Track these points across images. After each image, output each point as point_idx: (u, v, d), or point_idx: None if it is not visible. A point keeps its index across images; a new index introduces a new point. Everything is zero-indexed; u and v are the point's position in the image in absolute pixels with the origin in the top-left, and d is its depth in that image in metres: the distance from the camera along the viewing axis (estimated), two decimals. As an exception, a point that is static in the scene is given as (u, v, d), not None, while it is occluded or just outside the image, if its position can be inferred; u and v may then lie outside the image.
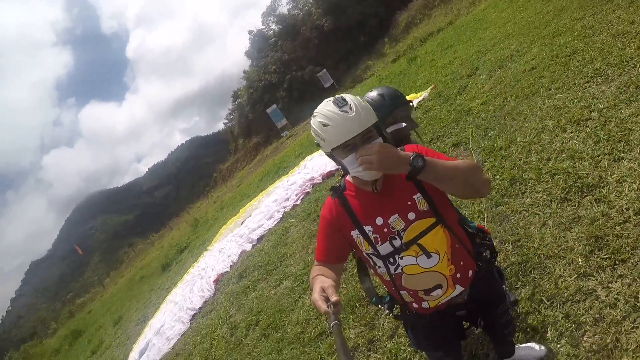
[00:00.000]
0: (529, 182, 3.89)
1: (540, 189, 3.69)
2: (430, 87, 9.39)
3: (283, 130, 35.27)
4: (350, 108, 1.58)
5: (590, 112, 4.22)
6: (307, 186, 9.48)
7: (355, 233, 1.78)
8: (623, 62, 4.67)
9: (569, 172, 3.59)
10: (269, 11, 43.96)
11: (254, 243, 8.92)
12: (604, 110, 4.08)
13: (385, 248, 1.75)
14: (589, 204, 3.16)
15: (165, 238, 41.10)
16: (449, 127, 6.49)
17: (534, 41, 7.36)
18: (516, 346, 2.49)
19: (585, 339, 2.36)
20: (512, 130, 5.01)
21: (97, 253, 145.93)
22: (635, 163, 3.22)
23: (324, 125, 1.60)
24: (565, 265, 2.82)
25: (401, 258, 1.75)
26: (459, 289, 1.84)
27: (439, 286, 1.79)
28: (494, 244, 3.42)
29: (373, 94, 2.48)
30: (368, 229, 1.75)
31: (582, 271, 2.69)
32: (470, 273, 1.87)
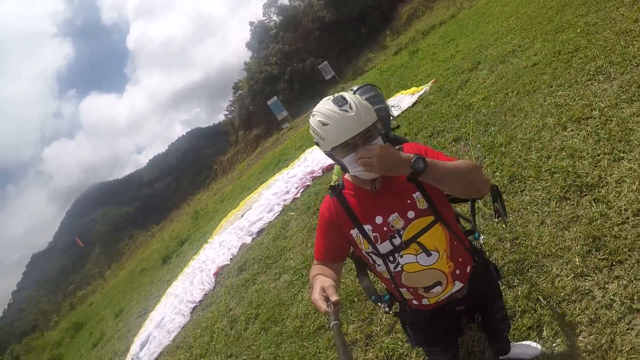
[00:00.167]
0: (528, 180, 3.89)
1: (539, 187, 3.69)
2: (431, 81, 9.37)
3: (284, 122, 35.20)
4: (350, 107, 1.57)
5: (592, 110, 4.20)
6: (307, 179, 9.49)
7: (354, 232, 1.78)
8: (626, 60, 4.64)
9: (569, 171, 3.59)
10: (270, 2, 43.74)
11: (254, 236, 8.95)
12: (605, 109, 4.06)
13: (385, 247, 1.75)
14: (587, 203, 3.16)
15: (165, 230, 41.16)
16: (449, 122, 6.48)
17: (536, 37, 7.33)
18: (512, 344, 2.52)
19: (580, 338, 2.37)
20: (512, 127, 5.00)
21: (97, 245, 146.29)
22: (635, 164, 3.21)
23: (324, 124, 1.59)
24: (563, 264, 2.83)
25: (401, 256, 1.75)
26: (458, 285, 1.86)
27: (439, 283, 1.81)
28: (492, 241, 3.44)
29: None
30: (368, 227, 1.75)
31: (579, 271, 2.70)
32: (468, 269, 1.89)
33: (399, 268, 1.78)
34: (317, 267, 1.78)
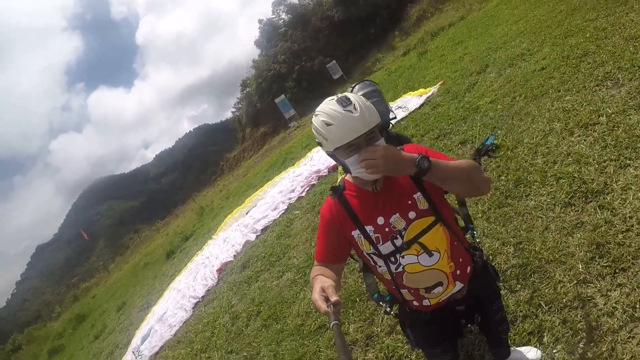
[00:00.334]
0: (533, 185, 3.87)
1: (544, 192, 3.67)
2: (439, 83, 9.36)
3: (291, 121, 35.19)
4: (355, 108, 1.57)
5: (599, 116, 4.18)
6: (312, 178, 9.51)
7: (356, 233, 1.78)
8: (634, 66, 4.61)
9: (574, 177, 3.57)
10: (279, 0, 43.72)
11: (258, 234, 8.97)
12: (613, 115, 4.04)
13: (386, 247, 1.76)
14: (592, 210, 3.14)
15: (170, 225, 41.31)
16: (456, 125, 6.46)
17: (545, 40, 7.30)
18: (512, 348, 2.51)
19: (581, 346, 2.36)
20: (519, 131, 4.98)
21: (102, 238, 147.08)
22: (641, 171, 3.20)
23: (327, 124, 1.59)
24: (566, 270, 2.82)
25: (402, 257, 1.76)
26: (458, 285, 1.86)
27: (440, 284, 1.81)
28: (496, 245, 3.44)
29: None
30: (369, 228, 1.75)
31: (581, 278, 2.69)
32: (468, 269, 1.90)
33: (400, 269, 1.79)
34: (317, 268, 1.78)
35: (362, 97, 1.67)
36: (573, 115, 4.52)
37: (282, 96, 36.44)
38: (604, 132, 3.90)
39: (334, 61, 32.51)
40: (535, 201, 3.66)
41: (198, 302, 7.90)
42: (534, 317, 2.70)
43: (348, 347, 1.21)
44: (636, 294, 2.38)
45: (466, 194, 1.82)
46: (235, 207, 13.90)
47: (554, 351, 2.44)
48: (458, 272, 1.83)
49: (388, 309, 2.04)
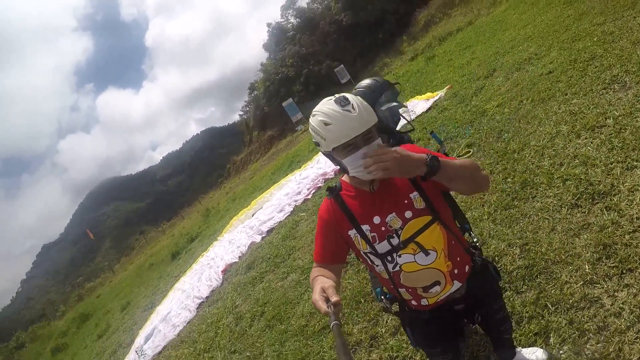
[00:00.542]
0: (540, 187, 3.86)
1: (551, 194, 3.66)
2: (446, 87, 9.35)
3: (298, 125, 35.17)
4: (353, 107, 1.59)
5: (606, 119, 4.17)
6: (319, 181, 9.51)
7: (352, 232, 1.79)
8: (642, 69, 4.61)
9: (581, 179, 3.56)
10: (288, 4, 43.78)
11: (263, 235, 8.97)
12: (620, 118, 4.03)
13: (383, 247, 1.76)
14: (599, 211, 3.13)
15: (176, 227, 41.40)
16: (463, 128, 6.46)
17: (552, 45, 7.28)
18: (518, 349, 2.50)
19: (588, 346, 2.35)
20: (526, 134, 4.97)
21: (108, 239, 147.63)
22: (648, 172, 3.18)
23: (326, 124, 1.61)
24: (572, 271, 2.81)
25: (399, 256, 1.76)
26: (456, 284, 1.86)
27: (438, 283, 1.82)
28: (502, 246, 3.43)
29: (365, 82, 2.60)
30: (365, 228, 1.76)
31: (588, 278, 2.68)
32: (466, 268, 1.90)
33: (397, 268, 1.79)
34: (317, 269, 1.79)
35: (358, 97, 1.68)
36: (580, 117, 4.51)
37: (290, 100, 36.44)
38: (611, 134, 3.89)
39: (342, 65, 32.49)
40: (541, 203, 3.65)
41: (202, 302, 7.90)
42: (540, 317, 2.69)
43: (348, 348, 1.21)
44: (643, 294, 2.37)
45: (470, 191, 1.83)
46: (241, 209, 13.92)
47: (561, 352, 2.42)
48: (456, 271, 1.83)
49: (388, 305, 2.04)
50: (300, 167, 13.02)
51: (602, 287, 2.58)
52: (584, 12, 7.76)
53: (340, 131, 1.59)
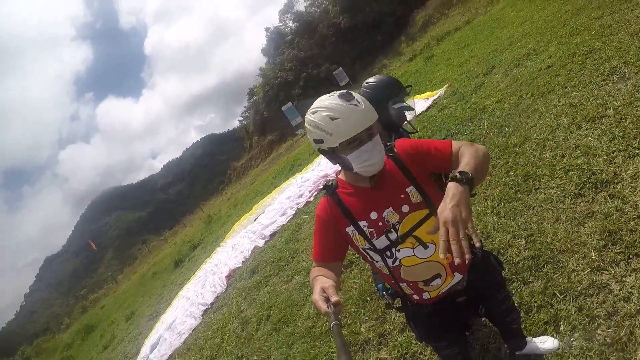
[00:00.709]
0: (542, 178, 3.87)
1: (554, 185, 3.67)
2: (445, 86, 9.38)
3: (298, 128, 35.19)
4: (358, 101, 1.61)
5: (606, 109, 4.18)
6: (320, 183, 9.51)
7: (350, 229, 1.79)
8: (640, 60, 4.62)
9: (583, 169, 3.57)
10: (286, 8, 43.86)
11: (266, 239, 8.96)
12: (620, 108, 4.04)
13: (381, 242, 1.76)
14: (602, 199, 3.14)
15: (178, 235, 41.40)
16: (463, 125, 6.47)
17: (551, 40, 7.31)
18: (528, 339, 2.49)
19: (598, 332, 2.35)
20: (526, 128, 4.98)
21: (110, 249, 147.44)
22: (650, 159, 3.19)
23: (332, 118, 1.61)
24: (579, 259, 2.81)
25: (398, 251, 1.77)
26: (457, 276, 1.87)
27: (438, 275, 1.82)
28: (507, 239, 3.43)
29: (373, 80, 2.71)
30: (363, 224, 1.76)
31: (595, 265, 2.68)
32: (466, 260, 1.89)
33: (397, 262, 1.79)
34: (316, 268, 1.78)
35: (358, 94, 1.71)
36: (580, 109, 4.52)
37: (289, 104, 36.43)
38: (612, 124, 3.90)
39: (341, 68, 32.53)
40: (545, 194, 3.65)
41: (207, 309, 7.88)
42: (549, 306, 2.68)
43: (348, 347, 1.21)
44: (651, 278, 2.37)
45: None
46: (243, 214, 13.90)
47: (572, 339, 2.42)
48: (455, 262, 1.83)
49: (390, 300, 2.04)
50: (301, 170, 13.01)
51: (610, 273, 2.57)
52: (582, 7, 7.79)
53: (348, 125, 1.60)
